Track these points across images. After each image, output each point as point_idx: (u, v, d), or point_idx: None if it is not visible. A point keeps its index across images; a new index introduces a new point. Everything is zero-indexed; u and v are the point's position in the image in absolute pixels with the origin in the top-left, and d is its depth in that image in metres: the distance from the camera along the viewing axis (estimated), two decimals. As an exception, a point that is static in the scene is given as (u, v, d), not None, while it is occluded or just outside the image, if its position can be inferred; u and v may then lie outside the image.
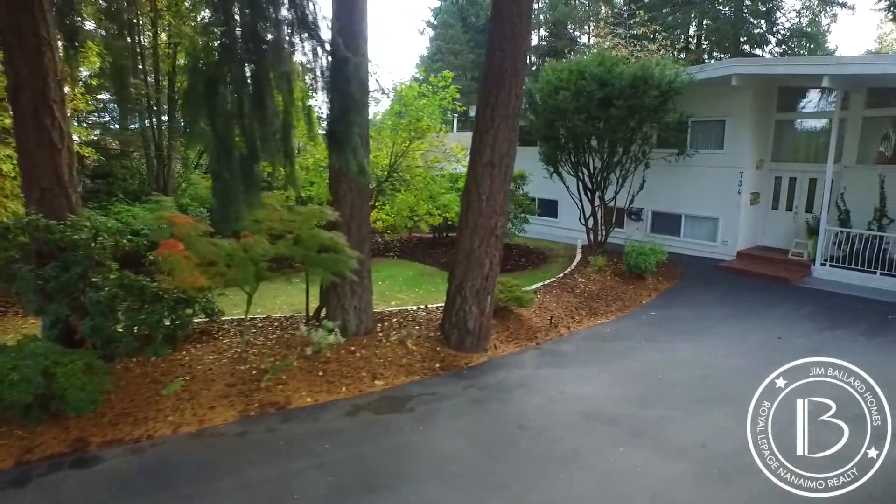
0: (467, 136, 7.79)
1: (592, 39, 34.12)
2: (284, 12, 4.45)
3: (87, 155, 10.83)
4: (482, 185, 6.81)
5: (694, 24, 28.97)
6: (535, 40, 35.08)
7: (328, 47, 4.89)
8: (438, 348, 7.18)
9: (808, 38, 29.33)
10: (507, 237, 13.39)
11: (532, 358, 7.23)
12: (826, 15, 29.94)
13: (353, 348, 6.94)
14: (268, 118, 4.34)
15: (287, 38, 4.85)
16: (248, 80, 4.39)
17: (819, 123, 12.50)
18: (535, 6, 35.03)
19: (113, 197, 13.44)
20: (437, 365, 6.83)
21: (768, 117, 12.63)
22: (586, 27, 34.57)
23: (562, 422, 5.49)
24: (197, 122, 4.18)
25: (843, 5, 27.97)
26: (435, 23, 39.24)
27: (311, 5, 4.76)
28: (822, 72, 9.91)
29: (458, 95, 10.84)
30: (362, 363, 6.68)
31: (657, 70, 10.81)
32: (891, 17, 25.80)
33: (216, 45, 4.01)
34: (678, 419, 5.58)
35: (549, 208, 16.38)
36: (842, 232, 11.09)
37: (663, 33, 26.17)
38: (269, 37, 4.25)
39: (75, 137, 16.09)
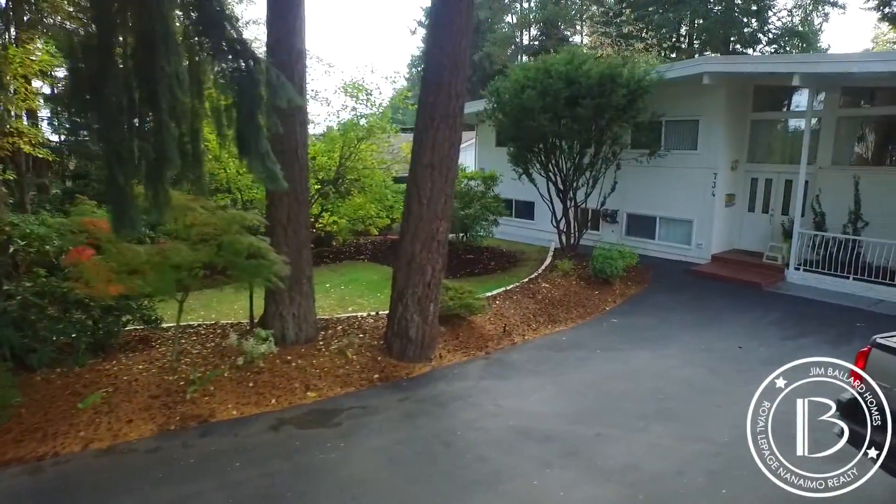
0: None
1: (586, 39, 33.81)
2: (179, 10, 4.17)
3: (40, 156, 10.55)
4: (422, 188, 6.54)
5: (685, 23, 28.58)
6: (525, 39, 34.77)
7: (237, 46, 4.62)
8: (380, 358, 6.91)
9: (800, 38, 28.89)
10: (475, 240, 13.15)
11: (478, 368, 6.96)
12: (818, 14, 29.54)
13: (289, 358, 6.68)
14: (163, 120, 4.07)
15: (192, 35, 4.59)
16: (141, 81, 4.12)
17: (795, 123, 12.19)
18: (526, 5, 34.75)
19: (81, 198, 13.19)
20: (376, 376, 6.57)
21: (743, 117, 12.31)
22: (577, 26, 34.23)
23: (491, 439, 5.22)
24: (81, 126, 3.91)
25: (835, 4, 27.57)
26: (427, 22, 38.97)
27: (214, 2, 4.49)
28: (792, 70, 9.61)
29: (409, 94, 10.53)
30: (297, 374, 6.42)
31: (626, 69, 10.51)
32: (880, 16, 25.39)
33: (94, 39, 3.73)
34: (616, 437, 5.31)
35: (525, 210, 16.09)
36: (816, 235, 10.78)
37: (651, 32, 25.82)
38: (160, 33, 3.97)
39: (55, 137, 15.79)
